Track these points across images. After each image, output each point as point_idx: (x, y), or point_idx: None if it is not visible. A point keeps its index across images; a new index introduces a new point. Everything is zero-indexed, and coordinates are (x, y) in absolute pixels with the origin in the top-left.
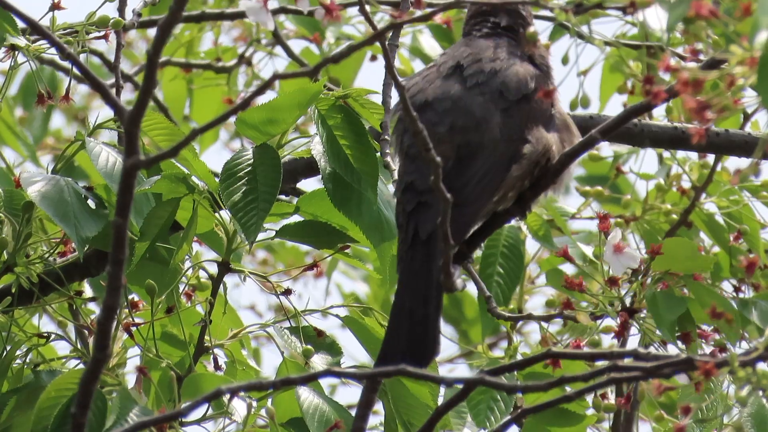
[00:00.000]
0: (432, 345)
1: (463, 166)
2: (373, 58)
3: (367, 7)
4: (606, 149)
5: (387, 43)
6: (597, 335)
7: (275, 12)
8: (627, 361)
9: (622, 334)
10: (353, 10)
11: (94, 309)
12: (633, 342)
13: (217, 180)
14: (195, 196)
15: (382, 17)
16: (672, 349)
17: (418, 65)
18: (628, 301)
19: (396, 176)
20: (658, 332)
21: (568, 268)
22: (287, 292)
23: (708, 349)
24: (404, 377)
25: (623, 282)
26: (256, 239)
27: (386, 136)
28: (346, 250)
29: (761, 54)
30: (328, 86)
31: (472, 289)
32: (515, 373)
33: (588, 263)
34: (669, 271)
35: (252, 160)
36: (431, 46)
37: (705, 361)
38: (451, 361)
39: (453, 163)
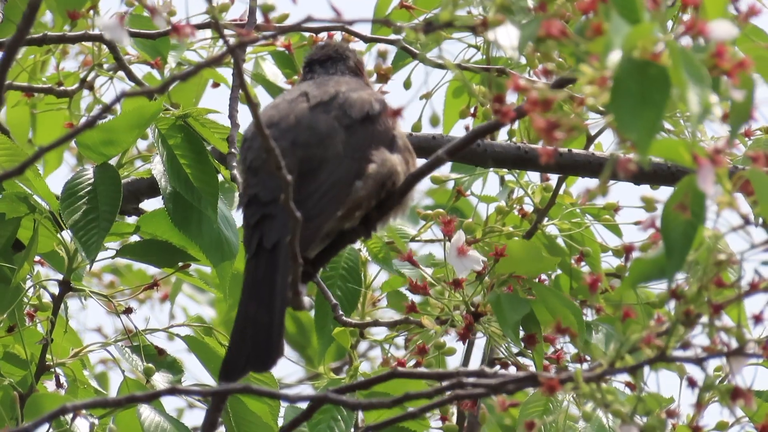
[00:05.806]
0: (276, 347)
1: (305, 180)
2: (215, 84)
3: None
4: (448, 174)
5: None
6: (442, 338)
7: None
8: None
9: (467, 336)
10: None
11: None
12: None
13: (58, 200)
14: (36, 215)
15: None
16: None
17: (260, 92)
18: (473, 306)
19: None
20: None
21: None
22: (128, 311)
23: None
24: (244, 395)
25: (467, 285)
26: (97, 258)
27: (233, 150)
28: (187, 269)
29: (615, 74)
30: (167, 107)
31: None
32: (356, 393)
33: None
34: (513, 274)
35: (93, 179)
36: (273, 73)
37: (549, 378)
38: (296, 384)
39: (295, 177)
